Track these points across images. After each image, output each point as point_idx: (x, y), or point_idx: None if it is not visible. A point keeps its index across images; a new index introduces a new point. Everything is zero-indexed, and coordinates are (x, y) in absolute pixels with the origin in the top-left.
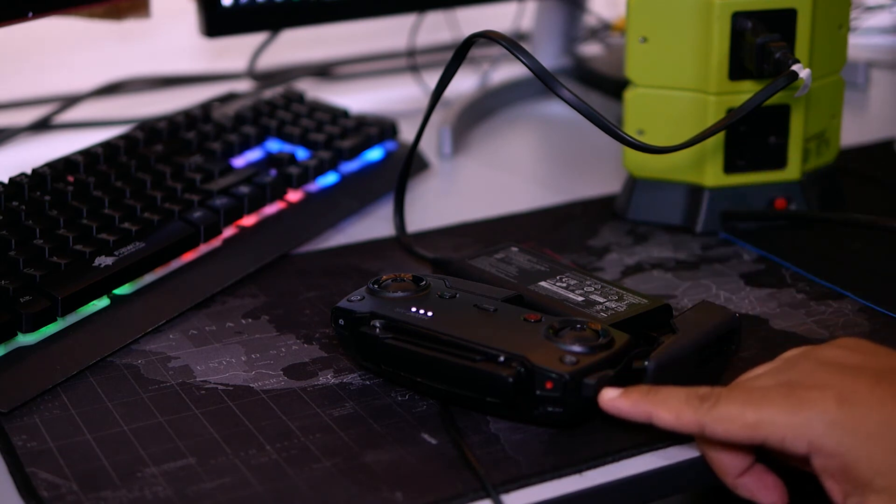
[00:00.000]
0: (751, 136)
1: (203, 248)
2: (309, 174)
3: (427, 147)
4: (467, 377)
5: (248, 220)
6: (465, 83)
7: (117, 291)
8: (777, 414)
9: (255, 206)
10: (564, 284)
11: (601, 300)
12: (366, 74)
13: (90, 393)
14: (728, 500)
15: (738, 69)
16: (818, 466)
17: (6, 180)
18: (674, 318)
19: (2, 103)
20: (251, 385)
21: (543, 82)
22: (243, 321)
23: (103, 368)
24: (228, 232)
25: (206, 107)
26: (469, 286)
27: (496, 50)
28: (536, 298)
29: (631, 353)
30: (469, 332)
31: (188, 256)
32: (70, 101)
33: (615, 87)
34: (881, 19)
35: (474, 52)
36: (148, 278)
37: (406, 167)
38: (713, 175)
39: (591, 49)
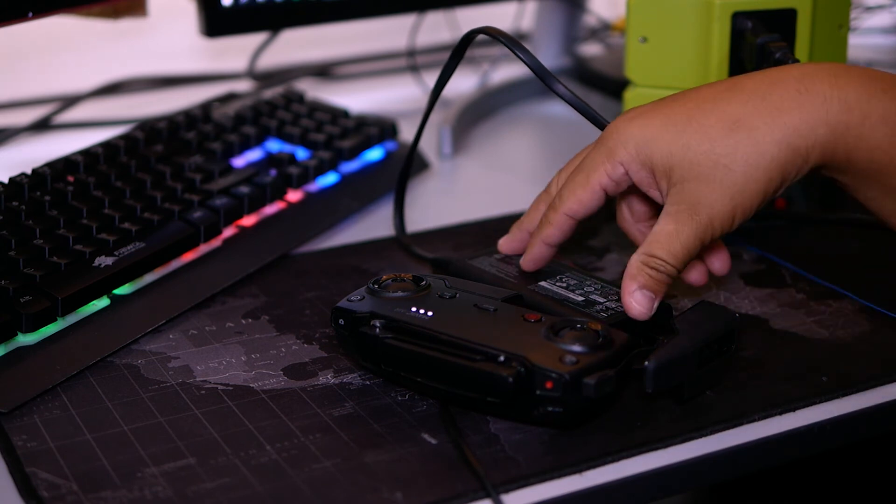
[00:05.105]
0: None
1: (203, 248)
2: (309, 174)
3: (427, 147)
4: (467, 377)
5: (248, 220)
6: (464, 83)
7: (117, 291)
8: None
9: (255, 206)
10: (564, 284)
11: (601, 300)
12: (366, 74)
13: (90, 393)
14: (727, 500)
15: (738, 69)
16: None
17: (6, 180)
18: (674, 318)
19: (2, 103)
20: (251, 385)
21: (539, 77)
22: (243, 321)
23: (103, 368)
24: (228, 232)
25: (206, 107)
26: (469, 286)
27: (496, 50)
28: (536, 298)
29: (631, 353)
30: (469, 332)
31: (188, 256)
32: (70, 101)
33: (615, 87)
34: (881, 19)
35: (474, 52)
36: (148, 278)
37: (406, 167)
38: None
39: (591, 49)
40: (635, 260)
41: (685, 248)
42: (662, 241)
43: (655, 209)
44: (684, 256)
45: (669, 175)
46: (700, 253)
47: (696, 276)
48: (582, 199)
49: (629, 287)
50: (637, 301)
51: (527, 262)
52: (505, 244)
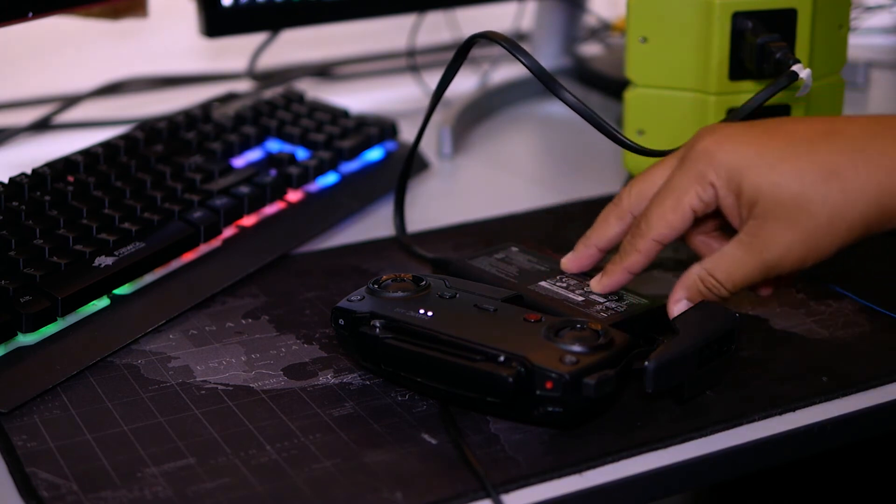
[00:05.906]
0: None
1: (203, 248)
2: (309, 174)
3: (427, 147)
4: (467, 377)
5: (248, 220)
6: (465, 83)
7: (117, 291)
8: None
9: (255, 206)
10: (564, 284)
11: (601, 300)
12: (366, 74)
13: (90, 393)
14: (728, 500)
15: (738, 69)
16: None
17: (6, 180)
18: (674, 319)
19: (2, 103)
20: (251, 385)
21: (543, 83)
22: (243, 321)
23: (103, 368)
24: (228, 232)
25: (206, 107)
26: (469, 286)
27: (496, 50)
28: (536, 298)
29: (631, 354)
30: (469, 332)
31: (188, 256)
32: (70, 101)
33: (615, 87)
34: (881, 19)
35: (474, 52)
36: (148, 278)
37: (406, 167)
38: None
39: (591, 49)
40: (694, 272)
41: (745, 279)
42: (726, 265)
43: (720, 223)
44: (742, 285)
45: (752, 207)
46: None
47: (764, 290)
48: (673, 223)
49: (678, 294)
50: (679, 311)
51: (601, 287)
52: (571, 262)
